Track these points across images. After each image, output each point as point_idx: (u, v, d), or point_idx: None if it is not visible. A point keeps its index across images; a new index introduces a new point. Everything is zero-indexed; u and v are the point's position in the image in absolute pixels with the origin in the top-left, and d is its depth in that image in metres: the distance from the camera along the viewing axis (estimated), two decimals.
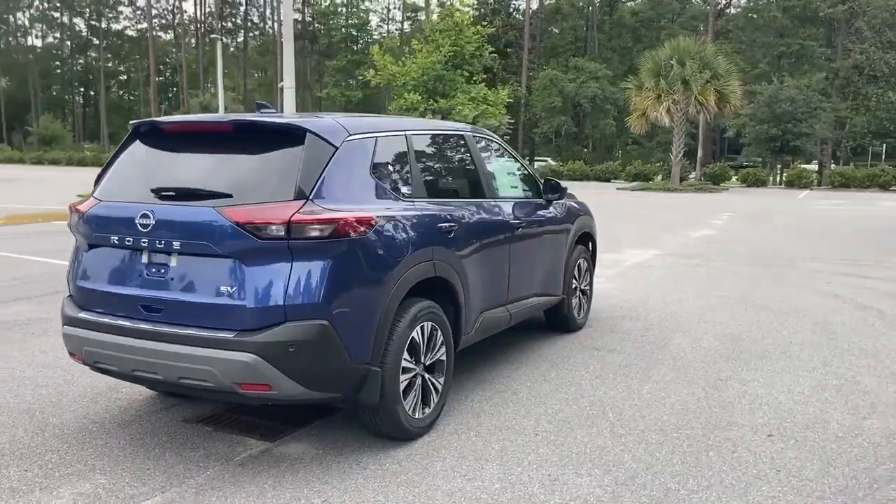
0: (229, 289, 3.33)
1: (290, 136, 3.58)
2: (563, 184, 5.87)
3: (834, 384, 4.99)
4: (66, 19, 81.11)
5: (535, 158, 51.69)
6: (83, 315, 3.69)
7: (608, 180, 39.08)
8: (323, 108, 58.69)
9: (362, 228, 3.51)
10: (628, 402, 4.61)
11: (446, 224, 4.20)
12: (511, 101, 20.02)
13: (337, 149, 3.63)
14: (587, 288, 6.59)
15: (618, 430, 4.15)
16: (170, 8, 79.20)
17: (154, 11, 75.08)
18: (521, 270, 5.19)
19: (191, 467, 3.59)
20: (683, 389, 4.86)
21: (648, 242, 13.09)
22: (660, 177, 35.98)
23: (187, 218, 3.41)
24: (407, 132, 4.28)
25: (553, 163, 44.72)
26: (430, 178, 4.43)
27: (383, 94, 43.09)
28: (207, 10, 75.79)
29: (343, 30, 66.12)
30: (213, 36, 50.98)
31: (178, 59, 73.65)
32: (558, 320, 6.21)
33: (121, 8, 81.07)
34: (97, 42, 79.10)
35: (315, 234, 3.33)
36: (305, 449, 3.83)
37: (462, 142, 4.89)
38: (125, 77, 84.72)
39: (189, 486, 3.38)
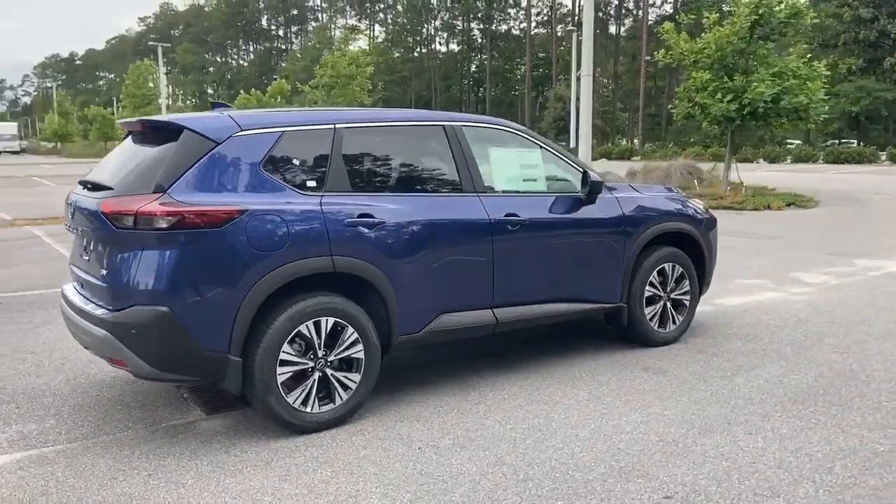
0: (104, 272, 3.79)
1: (170, 133, 3.90)
2: (616, 180, 5.11)
3: None
4: (464, 25, 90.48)
5: None
6: (65, 288, 4.48)
7: None
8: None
9: (217, 221, 3.67)
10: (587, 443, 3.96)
11: (363, 219, 4.09)
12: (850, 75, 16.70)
13: (217, 144, 3.82)
14: (683, 298, 5.63)
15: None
16: (549, 4, 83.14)
17: (535, 10, 79.62)
18: (519, 272, 4.75)
19: (118, 425, 4.14)
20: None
21: None
22: None
23: (83, 207, 3.95)
24: (338, 125, 4.24)
25: None
26: (364, 171, 4.31)
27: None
28: (582, 2, 77.70)
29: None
30: (569, 28, 52.23)
31: (552, 54, 77.01)
32: (622, 331, 5.45)
33: (509, 10, 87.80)
34: (487, 43, 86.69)
35: (162, 225, 3.60)
36: (227, 425, 4.13)
37: (439, 134, 4.62)
38: (508, 75, 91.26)
39: (103, 441, 3.93)
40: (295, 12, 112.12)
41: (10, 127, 74.96)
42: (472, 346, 5.63)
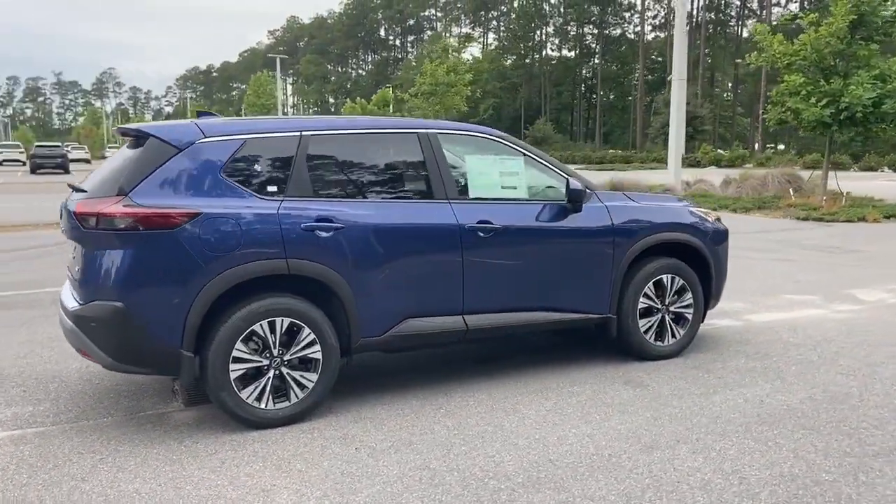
0: (77, 269, 4.13)
1: (139, 139, 4.19)
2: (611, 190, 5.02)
3: None
4: (578, 30, 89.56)
5: None
6: (63, 287, 4.88)
7: None
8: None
9: (171, 223, 3.92)
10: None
11: (321, 223, 4.23)
12: None
13: (180, 150, 4.08)
14: (685, 311, 5.43)
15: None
16: (665, 6, 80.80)
17: (650, 13, 77.64)
18: (492, 279, 4.76)
19: (102, 412, 4.49)
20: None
21: None
22: None
23: (67, 209, 4.30)
24: (304, 132, 4.41)
25: None
26: (328, 177, 4.45)
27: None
28: (701, 3, 75.07)
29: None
30: (673, 32, 50.53)
31: (667, 57, 74.78)
32: (616, 343, 5.32)
33: (623, 14, 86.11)
34: (600, 48, 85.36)
35: (120, 225, 3.89)
36: (197, 417, 4.38)
37: (412, 141, 4.70)
38: (621, 80, 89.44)
39: (82, 425, 4.27)
40: (412, 22, 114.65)
41: None
42: (466, 351, 5.67)
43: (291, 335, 4.20)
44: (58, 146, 42.47)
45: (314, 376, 4.28)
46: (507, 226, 4.78)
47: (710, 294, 5.61)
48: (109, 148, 77.75)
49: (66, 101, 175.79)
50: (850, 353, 5.50)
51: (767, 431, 4.01)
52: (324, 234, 4.25)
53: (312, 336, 4.25)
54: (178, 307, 3.94)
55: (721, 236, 5.69)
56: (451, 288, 4.65)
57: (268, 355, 4.16)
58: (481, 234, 4.69)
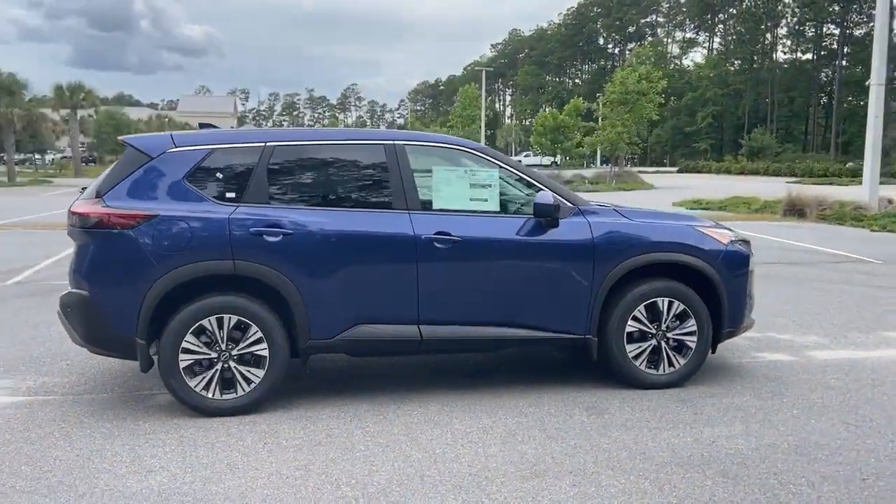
0: (71, 261, 4.76)
1: (124, 147, 4.73)
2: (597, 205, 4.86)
3: None
4: (817, 30, 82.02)
5: None
6: None
7: None
8: None
9: (130, 223, 4.42)
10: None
11: (269, 229, 4.51)
12: None
13: (151, 158, 4.59)
14: (687, 339, 5.01)
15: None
16: None
17: None
18: (450, 291, 4.75)
19: (103, 388, 5.14)
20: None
21: None
22: None
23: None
24: (268, 143, 4.71)
25: None
26: (285, 185, 4.71)
27: None
28: None
29: None
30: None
31: None
32: (605, 367, 5.04)
33: (871, 12, 77.21)
34: (840, 49, 77.42)
35: (90, 224, 4.46)
36: (174, 401, 4.84)
37: (378, 152, 4.82)
38: (865, 84, 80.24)
39: (78, 398, 4.92)
40: (632, 30, 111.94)
41: None
42: (456, 365, 5.66)
43: (240, 332, 4.52)
44: None
45: (261, 372, 4.57)
46: (466, 238, 4.73)
47: (721, 322, 5.09)
48: None
49: (316, 115, 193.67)
50: (883, 401, 4.71)
51: (681, 474, 3.63)
52: (271, 239, 4.52)
53: (260, 334, 4.54)
54: (133, 299, 4.42)
55: (738, 260, 5.13)
56: (405, 297, 4.70)
57: (217, 349, 4.51)
58: (438, 245, 4.69)
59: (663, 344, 5.01)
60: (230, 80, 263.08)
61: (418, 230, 4.69)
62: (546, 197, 4.78)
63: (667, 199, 24.52)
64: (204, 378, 4.52)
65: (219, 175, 4.66)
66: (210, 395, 4.53)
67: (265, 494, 3.45)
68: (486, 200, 4.93)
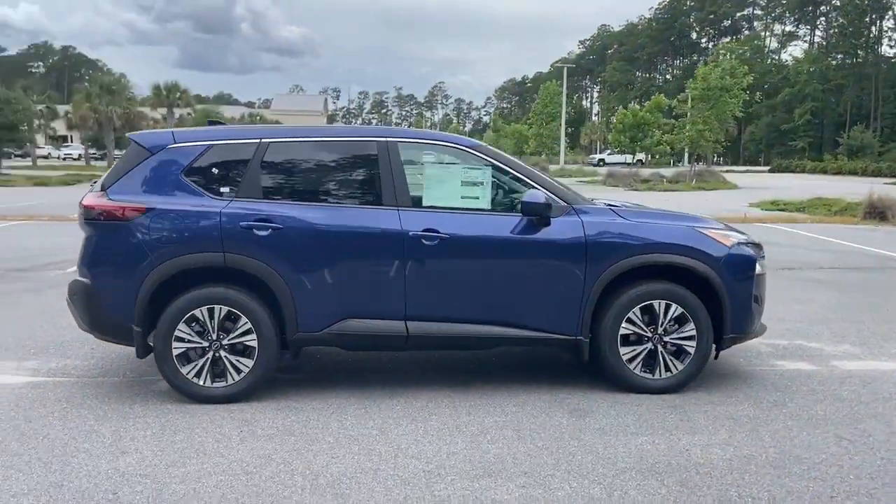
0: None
1: (128, 143, 4.96)
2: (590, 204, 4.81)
3: None
4: None
5: None
6: None
7: None
8: None
9: (128, 215, 4.63)
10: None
11: (259, 223, 4.64)
12: None
13: (152, 154, 4.79)
14: (686, 344, 4.85)
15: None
16: None
17: None
18: (438, 288, 4.75)
19: (116, 373, 5.40)
20: None
21: None
22: None
23: None
24: (264, 140, 4.84)
25: None
26: (278, 181, 4.81)
27: None
28: None
29: None
30: None
31: None
32: (598, 369, 4.93)
33: None
34: None
35: (93, 216, 4.70)
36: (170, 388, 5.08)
37: (370, 149, 4.87)
38: None
39: (89, 381, 5.19)
40: (727, 23, 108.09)
41: None
42: (457, 362, 5.66)
43: (231, 323, 4.67)
44: None
45: (250, 362, 4.70)
46: (455, 235, 4.72)
47: (724, 327, 4.88)
48: None
49: (404, 113, 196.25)
50: (884, 416, 4.42)
51: (631, 480, 3.52)
52: (261, 233, 4.64)
53: (249, 325, 4.67)
54: (130, 287, 4.62)
55: (742, 263, 4.91)
56: (392, 293, 4.73)
57: (208, 338, 4.67)
58: (426, 242, 4.70)
59: (660, 348, 4.85)
60: (323, 79, 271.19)
61: (406, 227, 4.71)
62: (535, 195, 4.71)
63: (743, 200, 23.58)
64: (196, 366, 4.68)
65: (214, 170, 4.82)
66: (201, 383, 4.68)
67: (219, 480, 3.56)
68: (477, 198, 4.91)
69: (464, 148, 5.01)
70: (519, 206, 4.88)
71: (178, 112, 55.72)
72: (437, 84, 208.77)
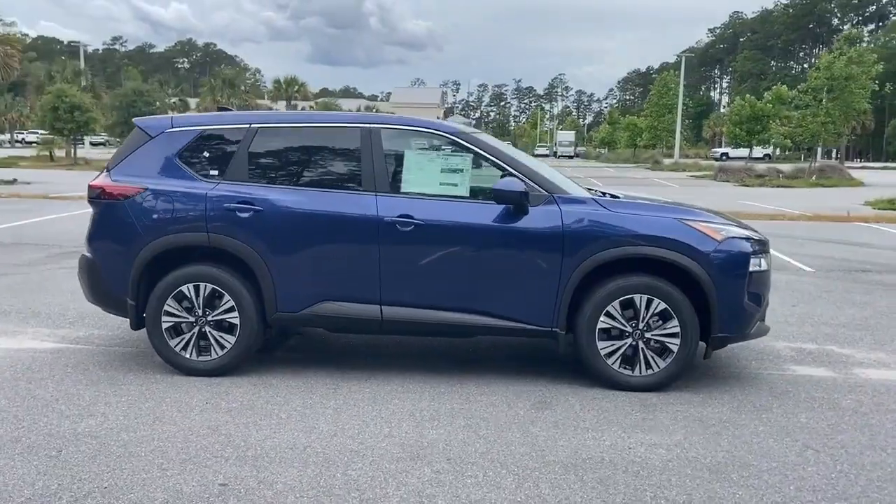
0: None
1: (133, 128, 5.27)
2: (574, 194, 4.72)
3: None
4: None
5: None
6: None
7: None
8: None
9: (123, 195, 4.93)
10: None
11: (241, 205, 4.82)
12: None
13: (152, 138, 5.08)
14: (669, 341, 4.63)
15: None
16: None
17: None
18: (411, 274, 4.77)
19: (130, 343, 5.76)
20: None
21: None
22: None
23: None
24: (253, 125, 5.01)
25: None
26: (263, 165, 4.96)
27: None
28: None
29: None
30: None
31: None
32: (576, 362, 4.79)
33: None
34: None
35: (96, 195, 5.05)
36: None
37: (354, 135, 4.93)
38: None
39: (102, 350, 5.58)
40: (872, 8, 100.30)
41: (569, 135, 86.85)
42: (454, 349, 5.64)
43: (217, 300, 4.88)
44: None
45: (232, 339, 4.90)
46: (429, 221, 4.71)
47: (712, 325, 4.60)
48: (539, 146, 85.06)
49: (523, 105, 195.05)
50: (872, 427, 4.02)
51: (548, 474, 3.43)
52: (243, 215, 4.82)
53: (232, 303, 4.86)
54: (124, 263, 4.93)
55: (733, 259, 4.61)
56: (367, 277, 4.79)
57: (195, 314, 4.91)
58: (400, 228, 4.72)
59: (641, 344, 4.65)
60: (445, 72, 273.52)
61: (382, 212, 4.74)
62: (508, 183, 4.62)
63: (859, 198, 21.88)
64: (183, 339, 4.93)
65: (206, 154, 5.04)
66: (188, 356, 4.93)
67: (156, 446, 3.75)
68: (455, 185, 4.87)
69: (445, 134, 4.98)
70: (483, 191, 4.81)
71: (299, 105, 58.10)
72: (558, 75, 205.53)
